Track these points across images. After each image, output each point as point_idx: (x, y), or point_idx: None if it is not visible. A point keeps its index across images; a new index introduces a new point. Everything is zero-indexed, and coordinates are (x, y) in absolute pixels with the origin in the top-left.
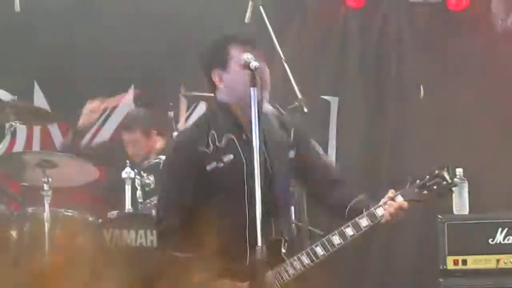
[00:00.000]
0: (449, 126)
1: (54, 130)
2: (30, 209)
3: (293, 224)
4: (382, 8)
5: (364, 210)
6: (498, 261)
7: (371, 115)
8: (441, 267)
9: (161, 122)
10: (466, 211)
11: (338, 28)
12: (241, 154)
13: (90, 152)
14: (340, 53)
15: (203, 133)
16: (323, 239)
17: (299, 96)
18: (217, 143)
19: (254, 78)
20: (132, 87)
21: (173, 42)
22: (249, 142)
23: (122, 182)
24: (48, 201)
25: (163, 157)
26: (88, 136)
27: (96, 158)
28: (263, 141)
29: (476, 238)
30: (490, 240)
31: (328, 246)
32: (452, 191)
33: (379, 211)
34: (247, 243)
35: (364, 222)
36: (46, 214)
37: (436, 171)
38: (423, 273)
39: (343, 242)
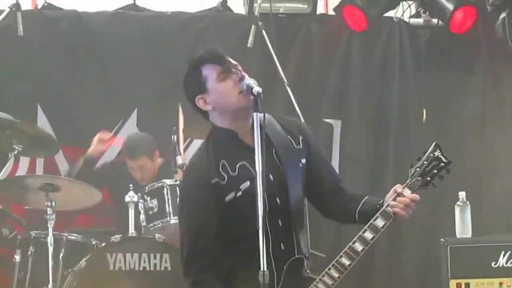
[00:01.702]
0: (451, 149)
1: (58, 153)
2: (33, 233)
3: (308, 243)
4: (384, 32)
5: (374, 208)
6: (501, 284)
7: (374, 138)
8: None
9: (162, 143)
10: (468, 234)
11: (340, 52)
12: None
13: (94, 174)
14: (342, 76)
15: (213, 165)
16: (346, 249)
17: (302, 119)
18: (230, 173)
19: (257, 103)
20: (136, 110)
21: (175, 67)
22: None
23: (126, 205)
24: (52, 225)
25: (167, 181)
26: None
27: (100, 180)
28: (271, 150)
29: (478, 261)
30: (493, 264)
31: (353, 255)
32: (449, 170)
33: (392, 208)
34: (273, 266)
35: (380, 222)
36: (50, 238)
37: (431, 155)
38: None
39: (365, 248)
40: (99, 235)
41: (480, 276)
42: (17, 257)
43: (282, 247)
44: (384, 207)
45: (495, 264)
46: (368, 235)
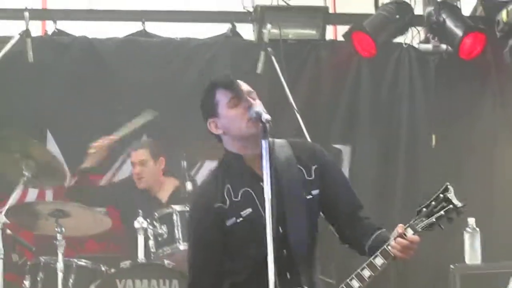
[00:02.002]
0: (461, 175)
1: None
2: (43, 259)
3: (316, 274)
4: (393, 57)
5: (382, 245)
6: None
7: (383, 164)
8: None
9: (172, 168)
10: (478, 261)
11: (350, 77)
12: (259, 207)
13: (98, 191)
14: (352, 102)
15: (219, 189)
16: (343, 285)
17: None
18: (233, 198)
19: (265, 130)
20: (145, 136)
21: (185, 93)
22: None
23: (135, 231)
24: (62, 251)
25: (176, 207)
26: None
27: (105, 198)
28: (276, 179)
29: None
30: None
31: None
32: (461, 213)
33: (391, 248)
34: None
35: (379, 261)
36: (59, 264)
37: (441, 195)
38: None
39: (362, 285)
40: (108, 261)
41: None
42: (27, 283)
43: (288, 276)
44: (384, 245)
45: None
46: (366, 273)
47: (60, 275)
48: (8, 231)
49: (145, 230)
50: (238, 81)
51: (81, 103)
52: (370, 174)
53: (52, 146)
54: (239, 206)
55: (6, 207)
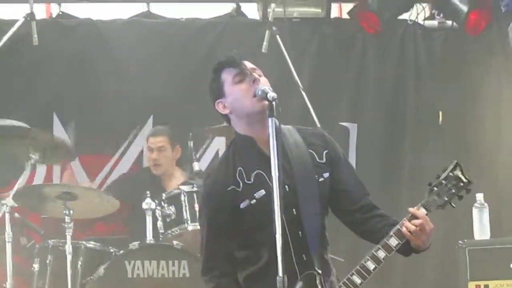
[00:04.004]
0: (468, 151)
1: (75, 161)
2: (51, 241)
3: (327, 255)
4: (399, 34)
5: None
6: None
7: (390, 141)
8: None
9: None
10: (487, 236)
11: (355, 56)
12: (272, 188)
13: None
14: (358, 79)
15: (231, 171)
16: (358, 267)
17: (318, 124)
18: (246, 180)
19: (272, 108)
20: (151, 118)
21: (190, 73)
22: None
23: (143, 212)
24: (70, 233)
25: (184, 187)
26: (104, 170)
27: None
28: (287, 162)
29: (497, 263)
30: (511, 265)
31: (364, 273)
32: (470, 191)
33: (405, 228)
34: (298, 276)
35: (393, 242)
36: (68, 246)
37: (450, 174)
38: None
39: (377, 267)
40: (117, 243)
41: (499, 278)
42: (36, 266)
43: (304, 258)
44: (397, 225)
45: None
46: (381, 254)
47: (68, 258)
48: (17, 215)
49: (153, 211)
50: (243, 60)
51: (86, 85)
52: (377, 152)
53: (58, 129)
54: (252, 188)
55: (14, 190)
